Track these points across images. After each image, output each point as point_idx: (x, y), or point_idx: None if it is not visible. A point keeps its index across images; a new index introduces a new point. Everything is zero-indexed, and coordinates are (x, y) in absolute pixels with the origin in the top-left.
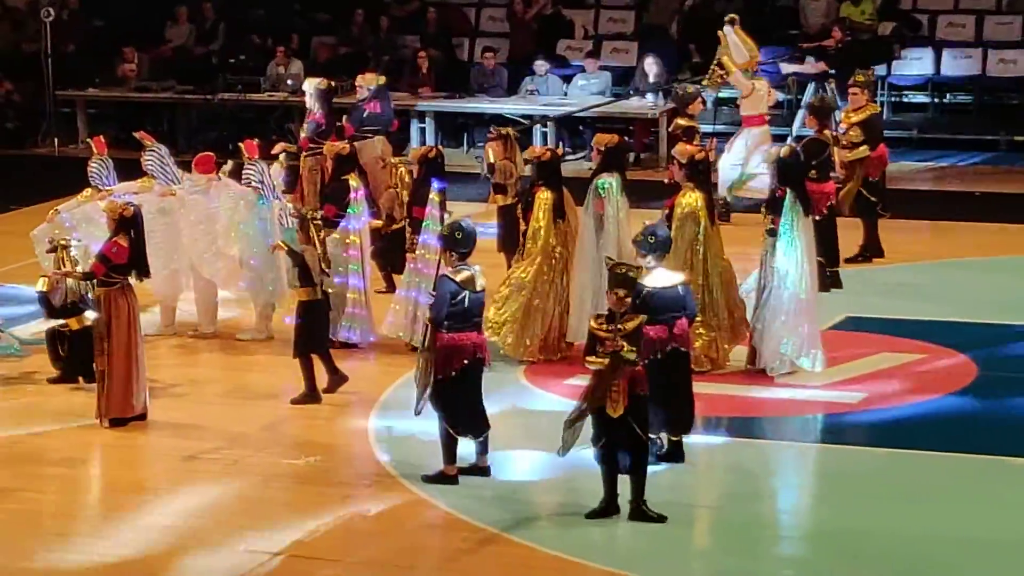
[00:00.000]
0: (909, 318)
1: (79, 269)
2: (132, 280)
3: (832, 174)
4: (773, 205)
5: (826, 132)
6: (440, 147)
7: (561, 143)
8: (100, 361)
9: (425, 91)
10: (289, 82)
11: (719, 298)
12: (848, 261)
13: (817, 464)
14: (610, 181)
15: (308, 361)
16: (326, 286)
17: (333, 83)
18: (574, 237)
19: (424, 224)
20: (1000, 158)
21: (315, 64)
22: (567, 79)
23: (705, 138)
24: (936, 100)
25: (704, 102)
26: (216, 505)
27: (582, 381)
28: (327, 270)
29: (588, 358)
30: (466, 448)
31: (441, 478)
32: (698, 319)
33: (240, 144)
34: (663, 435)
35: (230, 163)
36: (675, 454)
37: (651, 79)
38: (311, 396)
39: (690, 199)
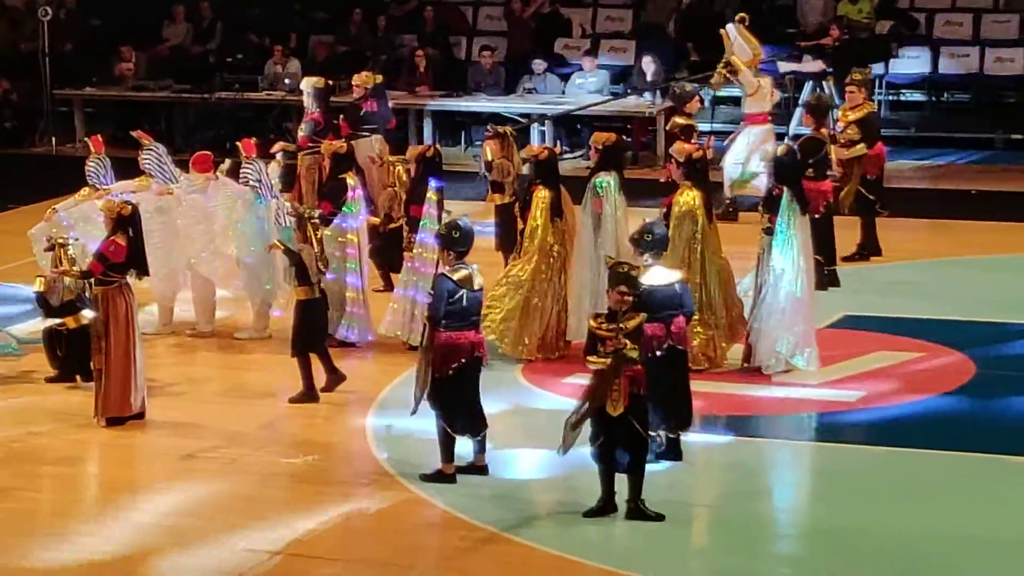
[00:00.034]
0: (907, 316)
1: (76, 268)
2: (131, 279)
3: (829, 172)
4: (770, 204)
5: (823, 131)
6: (438, 146)
7: (559, 142)
8: (98, 360)
9: (423, 90)
10: (287, 81)
11: (717, 296)
12: (846, 259)
13: (815, 462)
14: (608, 180)
15: (306, 360)
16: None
17: (330, 82)
18: (572, 236)
19: (422, 223)
20: (997, 156)
21: (313, 63)
22: (565, 78)
23: (703, 136)
24: (933, 98)
25: (702, 100)
26: (214, 504)
27: (580, 380)
28: (324, 269)
29: (589, 358)
30: (464, 447)
31: (439, 477)
32: (696, 318)
33: (238, 143)
34: (662, 433)
35: (228, 162)
36: (673, 452)
37: (648, 78)
38: (309, 395)
39: (688, 197)
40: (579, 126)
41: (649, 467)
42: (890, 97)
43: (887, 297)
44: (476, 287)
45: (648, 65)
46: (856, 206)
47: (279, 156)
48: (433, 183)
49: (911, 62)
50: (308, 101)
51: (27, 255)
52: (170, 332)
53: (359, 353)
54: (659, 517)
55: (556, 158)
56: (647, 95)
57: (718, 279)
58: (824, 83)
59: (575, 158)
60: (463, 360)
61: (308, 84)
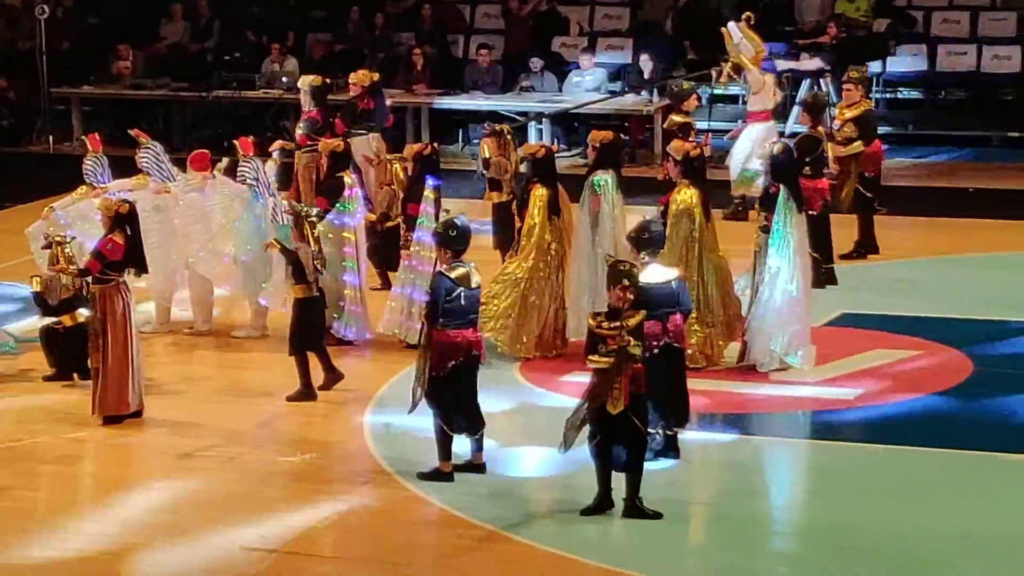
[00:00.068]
0: (904, 314)
1: (74, 265)
2: (129, 276)
3: (826, 170)
4: (766, 202)
5: (819, 128)
6: (435, 144)
7: (556, 140)
8: (95, 358)
9: (420, 88)
10: (284, 79)
11: (714, 294)
12: (843, 257)
13: (812, 460)
14: (605, 178)
15: (304, 358)
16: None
17: (328, 80)
18: (569, 234)
19: (419, 221)
20: (994, 154)
21: (310, 61)
22: (562, 76)
23: (700, 134)
24: (930, 96)
25: (699, 98)
26: (212, 502)
27: (578, 378)
28: (321, 268)
29: (590, 357)
30: (462, 445)
31: (437, 475)
32: (693, 316)
33: (235, 141)
34: (660, 431)
35: (225, 160)
36: (670, 450)
37: (646, 76)
38: (307, 393)
39: (685, 195)
40: (576, 124)
41: (647, 465)
42: (887, 95)
43: (885, 295)
44: (474, 285)
45: (646, 63)
46: (854, 204)
47: (275, 154)
48: (431, 181)
49: (908, 60)
50: (306, 99)
51: (24, 253)
52: (167, 331)
53: (357, 351)
54: (657, 515)
55: (553, 156)
56: (644, 93)
57: (715, 277)
58: (822, 81)
59: (572, 156)
60: (461, 358)
61: (306, 82)
